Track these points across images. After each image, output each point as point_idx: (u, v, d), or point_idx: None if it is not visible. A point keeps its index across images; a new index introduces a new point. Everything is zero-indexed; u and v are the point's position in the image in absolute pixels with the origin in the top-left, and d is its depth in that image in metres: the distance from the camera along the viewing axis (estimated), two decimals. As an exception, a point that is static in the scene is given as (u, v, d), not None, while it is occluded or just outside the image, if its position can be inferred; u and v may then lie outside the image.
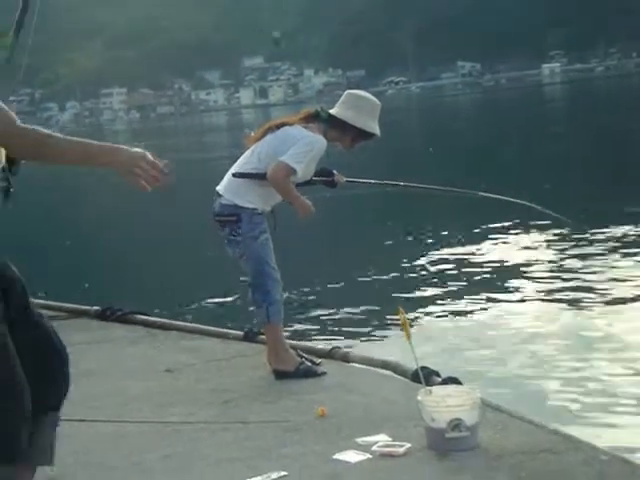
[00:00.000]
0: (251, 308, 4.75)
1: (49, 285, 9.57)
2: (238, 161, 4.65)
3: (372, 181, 5.02)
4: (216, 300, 8.76)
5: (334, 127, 4.57)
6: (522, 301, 7.66)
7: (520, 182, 16.33)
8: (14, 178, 2.73)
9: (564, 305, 7.33)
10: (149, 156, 2.47)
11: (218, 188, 4.60)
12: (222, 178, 4.65)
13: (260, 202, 4.51)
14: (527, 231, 10.70)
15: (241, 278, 4.70)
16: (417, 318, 7.30)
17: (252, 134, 4.70)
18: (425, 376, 3.81)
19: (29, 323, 2.64)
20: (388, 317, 7.23)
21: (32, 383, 2.59)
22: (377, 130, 4.59)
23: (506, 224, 11.15)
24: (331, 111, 4.59)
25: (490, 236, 10.71)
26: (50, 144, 2.49)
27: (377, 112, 4.60)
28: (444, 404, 3.32)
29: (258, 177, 4.48)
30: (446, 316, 7.48)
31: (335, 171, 4.87)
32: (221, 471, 3.35)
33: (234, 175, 4.55)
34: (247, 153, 4.63)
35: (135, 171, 2.45)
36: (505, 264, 9.16)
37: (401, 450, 3.30)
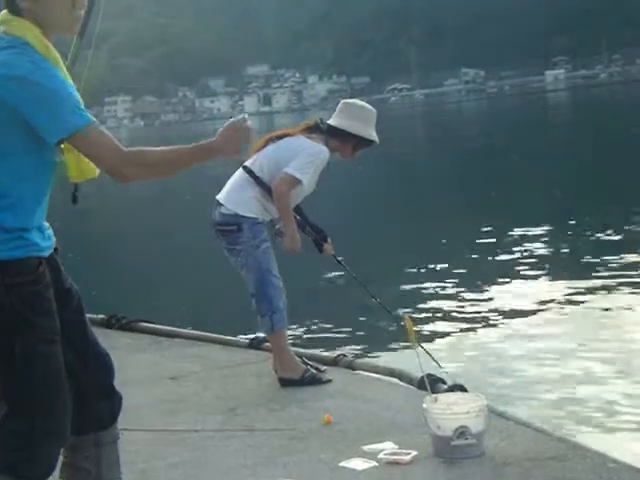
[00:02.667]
0: (255, 316, 4.75)
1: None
2: (238, 172, 4.64)
3: (348, 268, 5.09)
4: (221, 308, 8.75)
5: (334, 137, 4.58)
6: (527, 309, 7.64)
7: (517, 190, 16.37)
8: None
9: (571, 313, 7.32)
10: (231, 126, 2.51)
11: (218, 197, 4.60)
12: (223, 187, 4.66)
13: (261, 212, 4.51)
14: (536, 241, 10.67)
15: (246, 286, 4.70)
16: (423, 326, 7.28)
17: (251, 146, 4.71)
18: (431, 383, 3.80)
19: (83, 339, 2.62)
20: (394, 324, 7.21)
21: (88, 401, 2.59)
22: (376, 137, 4.61)
23: (515, 235, 11.12)
24: (330, 121, 4.61)
25: (498, 246, 10.66)
26: (161, 162, 2.50)
27: (374, 119, 4.63)
28: (450, 411, 3.32)
29: (262, 185, 4.48)
30: (452, 324, 7.47)
31: (329, 239, 4.89)
32: (227, 479, 3.35)
33: (244, 168, 4.55)
34: (248, 163, 4.62)
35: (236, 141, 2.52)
36: (512, 273, 9.13)
37: (407, 458, 3.30)
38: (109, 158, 2.41)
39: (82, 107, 2.40)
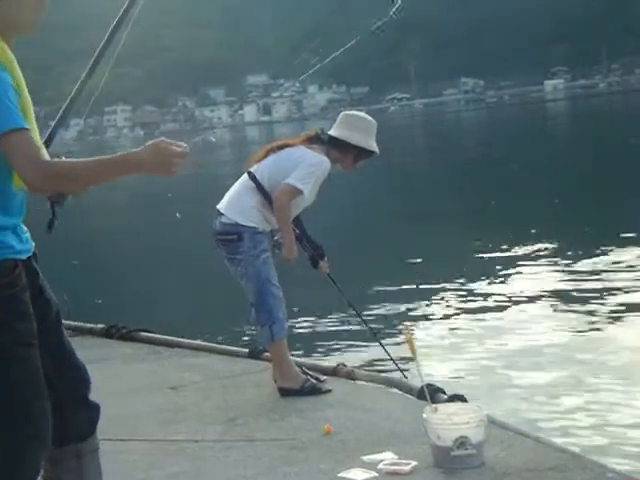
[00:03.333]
0: (255, 326, 4.75)
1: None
2: (239, 181, 4.66)
3: (340, 287, 5.12)
4: (221, 317, 8.75)
5: (335, 148, 4.59)
6: (528, 319, 7.64)
7: (517, 199, 16.39)
8: (59, 209, 2.76)
9: (571, 324, 7.31)
10: (164, 143, 2.36)
11: (219, 207, 4.60)
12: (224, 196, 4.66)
13: (261, 221, 4.52)
14: (537, 251, 10.66)
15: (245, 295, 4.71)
16: (423, 336, 7.28)
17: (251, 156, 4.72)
18: (431, 393, 3.80)
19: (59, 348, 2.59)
20: (394, 335, 7.22)
21: (66, 411, 2.56)
22: (376, 148, 4.62)
23: (515, 245, 11.11)
24: (330, 132, 4.62)
25: (499, 256, 10.66)
26: (82, 175, 2.39)
27: (374, 130, 4.65)
28: (450, 422, 3.32)
29: (263, 194, 4.49)
30: (452, 334, 7.47)
31: (326, 258, 4.91)
32: (227, 489, 3.35)
33: (248, 173, 4.56)
34: (251, 169, 4.63)
35: (168, 162, 2.37)
36: (512, 284, 9.13)
37: (407, 468, 3.30)
38: (23, 168, 2.30)
39: (16, 112, 2.29)
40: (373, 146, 4.61)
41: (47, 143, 3.09)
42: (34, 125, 2.41)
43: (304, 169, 4.43)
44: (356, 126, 4.60)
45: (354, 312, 5.53)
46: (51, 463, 2.61)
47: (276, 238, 4.61)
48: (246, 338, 7.41)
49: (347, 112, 4.77)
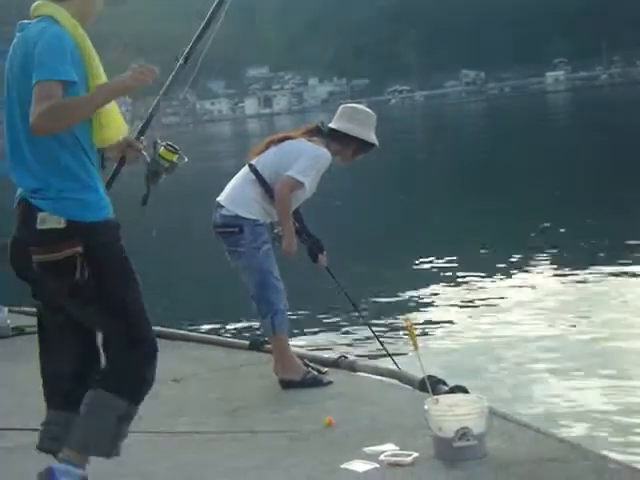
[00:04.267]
0: (256, 318, 4.76)
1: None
2: (239, 173, 4.66)
3: (338, 282, 5.13)
4: (223, 310, 8.76)
5: (335, 140, 4.59)
6: (529, 312, 7.64)
7: (519, 191, 16.38)
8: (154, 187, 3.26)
9: (573, 315, 7.32)
10: (136, 68, 2.83)
11: (219, 199, 4.60)
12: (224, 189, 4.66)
13: (261, 214, 4.52)
14: (539, 250, 10.65)
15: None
16: (424, 327, 7.30)
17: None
18: (432, 385, 3.80)
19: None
20: (395, 326, 7.23)
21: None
22: (376, 140, 4.62)
23: (516, 239, 11.11)
24: (331, 125, 4.62)
25: (500, 253, 10.64)
26: (73, 105, 2.74)
27: (374, 123, 4.65)
28: (451, 413, 3.32)
29: (264, 186, 4.49)
30: (453, 325, 7.48)
31: (325, 252, 4.92)
32: (229, 481, 3.36)
33: (249, 165, 4.56)
34: (252, 162, 4.63)
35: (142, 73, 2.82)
36: (514, 278, 9.13)
37: (409, 459, 3.30)
38: (32, 109, 2.66)
39: (65, 69, 2.69)
40: (373, 138, 4.62)
41: (140, 134, 3.49)
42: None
43: (305, 162, 4.43)
44: (356, 118, 4.60)
45: (355, 304, 5.54)
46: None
47: (276, 231, 4.61)
48: (248, 330, 7.43)
49: (347, 105, 4.77)
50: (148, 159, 3.20)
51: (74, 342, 2.96)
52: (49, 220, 2.75)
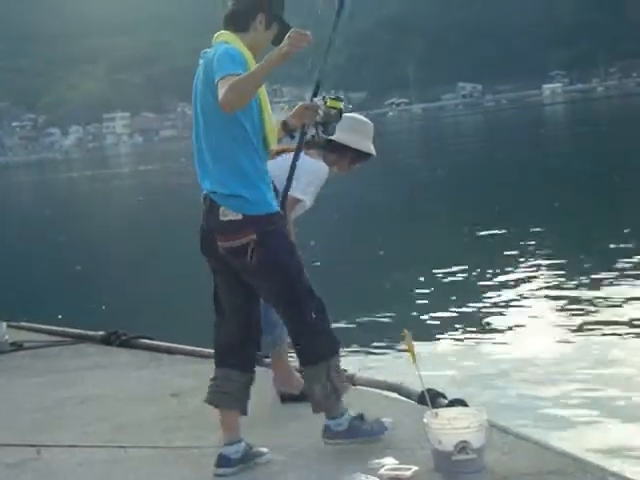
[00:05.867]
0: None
1: (56, 309, 9.58)
2: None
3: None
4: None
5: (332, 151, 4.59)
6: (529, 324, 7.64)
7: (517, 202, 16.40)
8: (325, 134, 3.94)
9: (573, 328, 7.30)
10: (293, 35, 3.24)
11: None
12: None
13: None
14: (537, 259, 10.65)
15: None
16: (423, 341, 7.28)
17: None
18: (431, 398, 3.80)
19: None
20: (394, 339, 7.22)
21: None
22: (373, 150, 4.62)
23: (516, 253, 11.10)
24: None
25: (498, 262, 10.64)
26: (246, 79, 3.24)
27: (371, 133, 4.65)
28: (450, 426, 3.31)
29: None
30: (452, 338, 7.47)
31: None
32: (228, 496, 3.34)
33: None
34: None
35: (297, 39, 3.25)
36: (512, 290, 9.10)
37: (408, 473, 3.29)
38: (219, 95, 3.24)
39: (238, 69, 3.27)
40: (370, 148, 4.61)
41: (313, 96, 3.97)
42: (268, 105, 3.58)
43: (304, 179, 4.42)
44: (353, 128, 4.59)
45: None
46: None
47: None
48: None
49: (344, 115, 4.76)
50: (322, 113, 3.84)
51: (240, 317, 3.68)
52: (228, 214, 3.42)
